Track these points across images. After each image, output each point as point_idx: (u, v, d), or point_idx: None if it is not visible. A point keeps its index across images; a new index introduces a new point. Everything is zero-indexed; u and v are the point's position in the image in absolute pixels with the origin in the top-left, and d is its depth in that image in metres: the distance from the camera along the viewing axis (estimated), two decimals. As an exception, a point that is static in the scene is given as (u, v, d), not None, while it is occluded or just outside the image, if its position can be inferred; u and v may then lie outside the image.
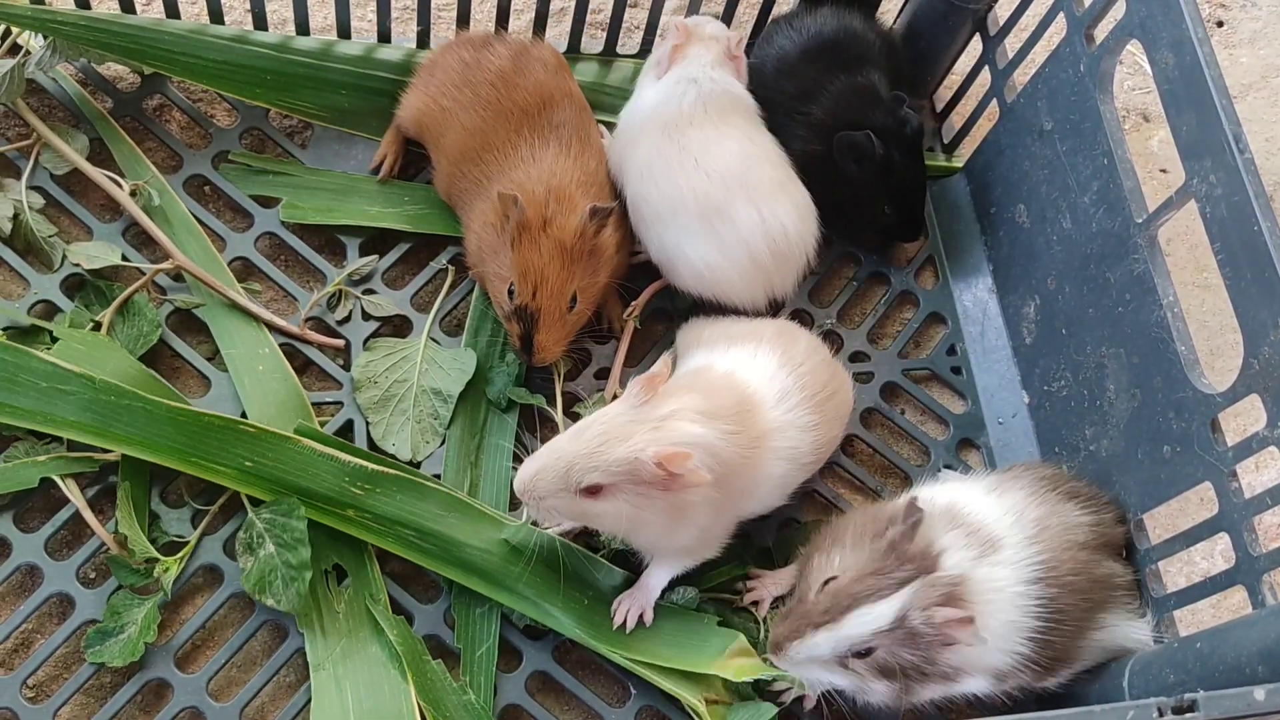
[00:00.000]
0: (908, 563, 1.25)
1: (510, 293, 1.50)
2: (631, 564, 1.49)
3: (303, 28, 1.73)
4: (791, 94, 1.67)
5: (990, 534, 1.32)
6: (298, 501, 1.42)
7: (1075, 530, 1.38)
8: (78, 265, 1.57)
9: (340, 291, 1.62)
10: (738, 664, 1.41)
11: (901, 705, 1.33)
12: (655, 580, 1.43)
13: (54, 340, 1.49)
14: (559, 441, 1.29)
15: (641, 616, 1.43)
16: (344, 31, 1.74)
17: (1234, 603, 1.55)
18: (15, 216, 1.58)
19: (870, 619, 1.23)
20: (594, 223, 1.49)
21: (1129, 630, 1.38)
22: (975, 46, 1.78)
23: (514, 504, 1.52)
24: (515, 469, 1.32)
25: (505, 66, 1.61)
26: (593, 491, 1.26)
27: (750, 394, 1.38)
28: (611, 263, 1.56)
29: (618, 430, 1.26)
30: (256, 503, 1.45)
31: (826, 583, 1.28)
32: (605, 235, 1.53)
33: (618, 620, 1.43)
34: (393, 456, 1.52)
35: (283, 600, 1.39)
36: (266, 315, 1.58)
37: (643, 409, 1.28)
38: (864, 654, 1.25)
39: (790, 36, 1.71)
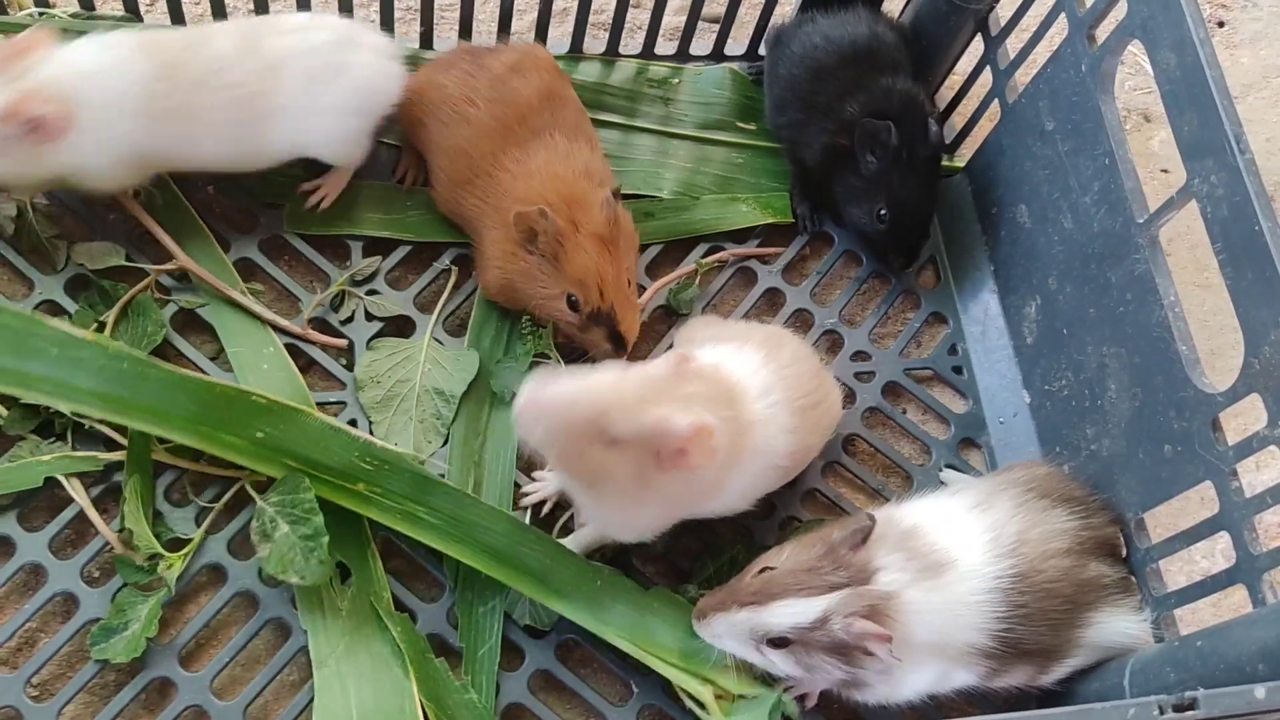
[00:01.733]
0: (843, 569, 1.27)
1: (572, 304, 1.50)
2: (625, 565, 1.50)
3: (306, 28, 1.74)
4: (828, 95, 1.69)
5: (943, 557, 1.32)
6: (303, 476, 1.42)
7: (1060, 537, 1.38)
8: (81, 265, 1.57)
9: (343, 292, 1.63)
10: (737, 674, 1.41)
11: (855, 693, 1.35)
12: (589, 534, 1.47)
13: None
14: (595, 380, 1.25)
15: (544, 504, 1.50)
16: (347, 33, 1.75)
17: (1234, 601, 1.55)
18: (19, 216, 1.58)
19: (791, 612, 1.25)
20: (615, 205, 1.50)
21: (1121, 625, 1.38)
22: (977, 47, 1.78)
23: (517, 504, 1.53)
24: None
25: (476, 86, 1.60)
26: (605, 440, 1.24)
27: (734, 383, 1.37)
28: (634, 238, 1.58)
29: (653, 394, 1.24)
30: (262, 492, 1.45)
31: (765, 570, 1.30)
32: (624, 214, 1.54)
33: (523, 491, 1.49)
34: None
35: (307, 574, 1.38)
36: (269, 315, 1.58)
37: (675, 380, 1.27)
38: (779, 644, 1.27)
39: (819, 43, 1.71)
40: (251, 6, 1.72)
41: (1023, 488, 1.44)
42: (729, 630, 1.29)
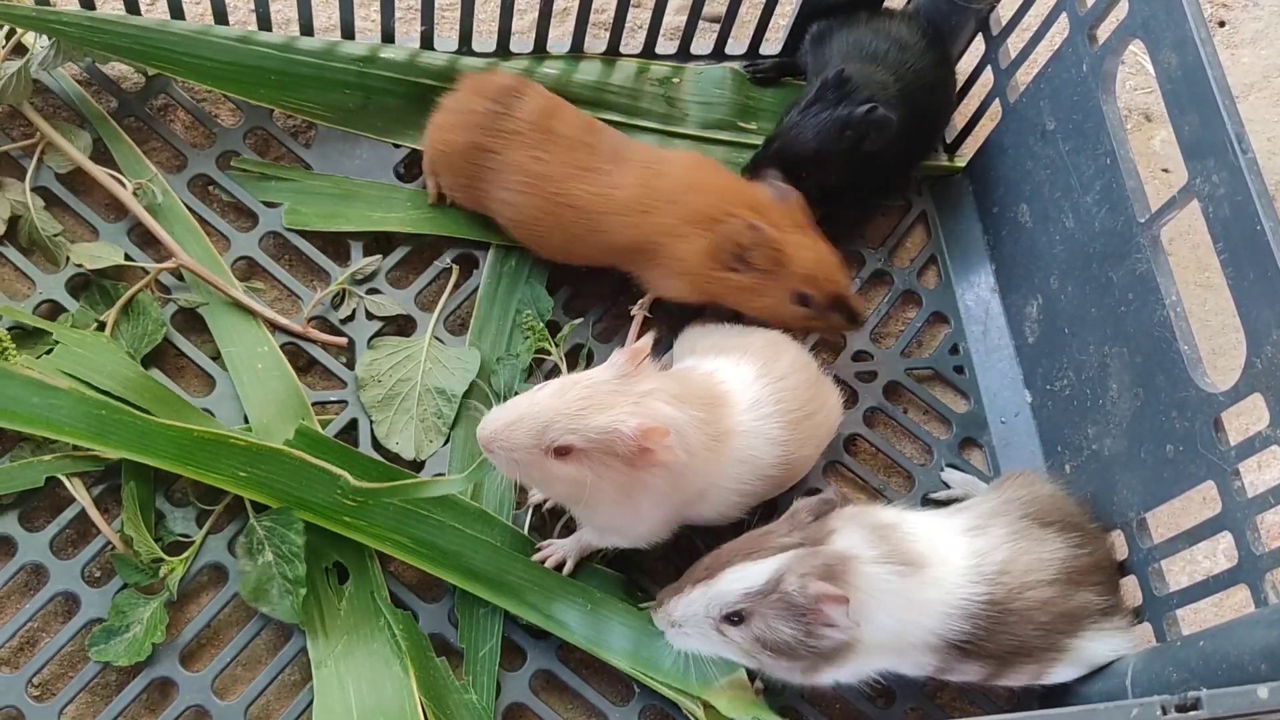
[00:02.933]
0: (798, 531, 1.26)
1: (802, 299, 1.49)
2: (630, 565, 1.50)
3: (306, 28, 1.74)
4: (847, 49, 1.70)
5: (917, 556, 1.31)
6: (297, 516, 1.42)
7: (1048, 568, 1.37)
8: (80, 266, 1.57)
9: (344, 290, 1.63)
10: (730, 697, 1.42)
11: (810, 682, 1.33)
12: (586, 540, 1.46)
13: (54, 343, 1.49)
14: (539, 395, 1.27)
15: (563, 565, 1.47)
16: (348, 32, 1.75)
17: (1236, 601, 1.55)
18: (17, 216, 1.58)
19: (742, 576, 1.23)
20: (791, 190, 1.52)
21: (1103, 649, 1.38)
22: (978, 46, 1.78)
23: (519, 502, 1.52)
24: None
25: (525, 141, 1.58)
26: (562, 453, 1.25)
27: (723, 394, 1.38)
28: None
29: (600, 397, 1.25)
30: (259, 507, 1.45)
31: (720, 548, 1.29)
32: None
33: (538, 557, 1.47)
34: (396, 456, 1.52)
35: (278, 610, 1.40)
36: (269, 314, 1.59)
37: (624, 381, 1.27)
38: (737, 620, 1.24)
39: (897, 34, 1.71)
40: (252, 6, 1.72)
41: (1021, 512, 1.43)
42: (685, 613, 1.26)
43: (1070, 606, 1.37)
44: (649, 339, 1.32)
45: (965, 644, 1.31)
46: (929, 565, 1.31)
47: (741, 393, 1.39)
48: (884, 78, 1.66)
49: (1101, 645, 1.38)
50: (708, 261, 1.51)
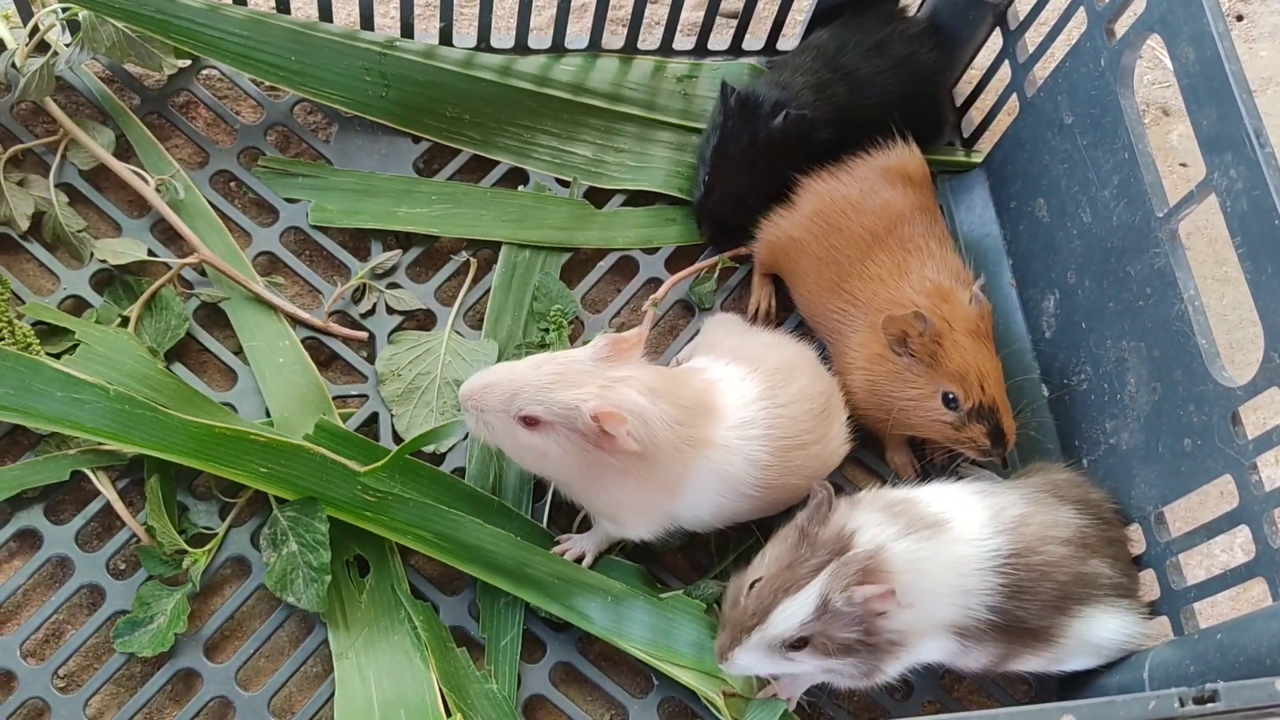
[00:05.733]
0: (820, 548, 1.27)
1: (950, 402, 1.47)
2: (650, 557, 1.51)
3: (326, 20, 1.74)
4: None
5: (936, 519, 1.33)
6: (320, 504, 1.43)
7: (1063, 528, 1.39)
8: (104, 261, 1.59)
9: (364, 285, 1.64)
10: (747, 679, 1.43)
11: (872, 683, 1.34)
12: (605, 534, 1.48)
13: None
14: (518, 366, 1.33)
15: (582, 559, 1.49)
16: (368, 26, 1.75)
17: (1254, 595, 1.55)
18: (42, 212, 1.60)
19: (792, 612, 1.25)
20: (985, 300, 1.50)
21: (1113, 623, 1.39)
22: (995, 41, 1.79)
23: (538, 495, 1.54)
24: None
25: (853, 194, 1.60)
26: (529, 422, 1.30)
27: (717, 405, 1.38)
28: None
29: (571, 375, 1.30)
30: (282, 499, 1.46)
31: (754, 584, 1.30)
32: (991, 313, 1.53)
33: (558, 551, 1.49)
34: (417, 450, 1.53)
35: (303, 599, 1.41)
36: (290, 308, 1.60)
37: (602, 364, 1.31)
38: (799, 645, 1.26)
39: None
40: (273, 5, 1.73)
41: (1036, 488, 1.44)
42: (752, 659, 1.29)
43: (1085, 570, 1.38)
44: (642, 330, 1.34)
45: (995, 605, 1.32)
46: (951, 522, 1.33)
47: (735, 409, 1.39)
48: (795, 80, 1.68)
49: (1113, 620, 1.39)
50: (876, 342, 1.50)
